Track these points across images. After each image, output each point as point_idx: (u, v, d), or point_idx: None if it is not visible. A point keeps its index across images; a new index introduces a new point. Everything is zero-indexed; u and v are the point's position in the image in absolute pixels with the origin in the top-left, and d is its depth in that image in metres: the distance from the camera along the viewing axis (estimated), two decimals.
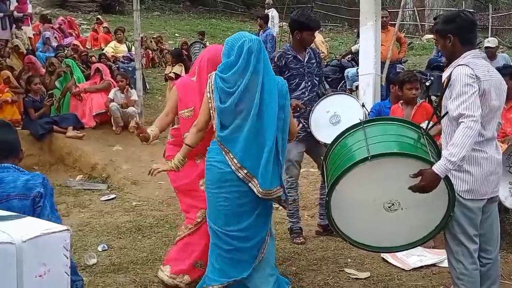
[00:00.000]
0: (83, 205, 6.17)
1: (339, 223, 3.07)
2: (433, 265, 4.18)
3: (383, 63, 7.12)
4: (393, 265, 4.22)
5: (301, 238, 4.74)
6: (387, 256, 4.29)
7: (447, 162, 2.72)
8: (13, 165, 2.56)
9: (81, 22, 18.56)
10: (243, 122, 3.13)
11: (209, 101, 3.19)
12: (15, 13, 10.76)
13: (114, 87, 8.83)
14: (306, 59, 4.62)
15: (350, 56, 9.87)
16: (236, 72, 3.12)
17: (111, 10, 21.62)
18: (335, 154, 3.12)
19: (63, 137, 7.94)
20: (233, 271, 3.28)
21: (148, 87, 11.74)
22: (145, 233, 5.07)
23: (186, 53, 12.64)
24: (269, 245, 3.34)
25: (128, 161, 7.58)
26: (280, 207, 4.13)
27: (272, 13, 14.09)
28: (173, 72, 9.45)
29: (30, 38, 12.20)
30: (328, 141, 3.51)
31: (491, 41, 8.37)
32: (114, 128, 8.41)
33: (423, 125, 3.18)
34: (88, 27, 17.54)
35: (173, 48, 13.56)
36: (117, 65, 11.32)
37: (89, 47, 14.42)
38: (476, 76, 2.82)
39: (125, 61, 12.19)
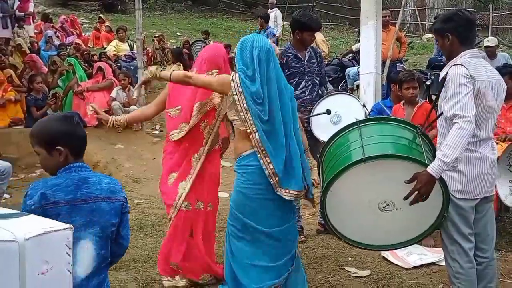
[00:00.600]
0: None
1: (335, 222, 3.08)
2: (433, 263, 4.19)
3: (383, 62, 7.12)
4: (393, 263, 4.23)
5: (301, 236, 4.75)
6: (387, 255, 4.30)
7: (441, 162, 2.71)
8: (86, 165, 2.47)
9: (83, 21, 18.59)
10: (271, 127, 3.11)
11: (238, 103, 3.11)
12: (17, 12, 10.73)
13: (116, 85, 8.84)
14: (306, 58, 4.64)
15: (351, 55, 9.86)
16: (258, 84, 3.10)
17: (113, 9, 21.64)
18: (330, 154, 3.13)
19: None
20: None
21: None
22: (147, 231, 5.09)
23: (188, 51, 12.66)
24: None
25: (130, 159, 7.60)
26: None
27: (275, 13, 14.05)
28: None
29: (31, 36, 12.18)
30: None
31: (490, 40, 8.39)
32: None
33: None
34: (90, 26, 17.55)
35: (175, 47, 13.55)
36: (118, 64, 11.34)
37: (91, 46, 14.42)
38: (471, 76, 2.80)
39: (127, 60, 12.21)
